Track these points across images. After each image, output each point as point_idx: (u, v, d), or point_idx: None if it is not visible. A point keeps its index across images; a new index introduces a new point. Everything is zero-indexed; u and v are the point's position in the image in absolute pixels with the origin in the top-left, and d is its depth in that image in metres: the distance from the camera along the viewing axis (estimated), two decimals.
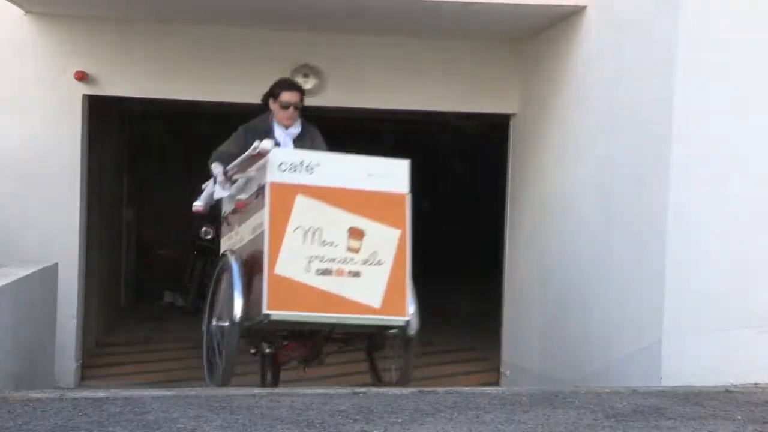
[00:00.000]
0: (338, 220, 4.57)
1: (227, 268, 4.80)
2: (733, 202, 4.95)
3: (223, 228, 5.21)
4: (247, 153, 4.71)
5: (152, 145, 12.59)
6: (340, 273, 4.52)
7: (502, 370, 7.43)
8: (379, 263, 4.59)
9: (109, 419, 3.26)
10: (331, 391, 4.21)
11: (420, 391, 4.05)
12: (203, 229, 12.11)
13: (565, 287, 6.25)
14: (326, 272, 4.51)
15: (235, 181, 4.89)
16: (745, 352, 4.82)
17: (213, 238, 12.08)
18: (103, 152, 8.81)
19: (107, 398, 3.67)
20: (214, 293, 5.01)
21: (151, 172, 12.77)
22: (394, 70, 7.36)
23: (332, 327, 4.68)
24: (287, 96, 5.31)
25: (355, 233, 4.59)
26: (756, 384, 4.48)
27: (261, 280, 4.47)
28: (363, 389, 3.95)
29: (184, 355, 8.90)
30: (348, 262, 4.55)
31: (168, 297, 11.92)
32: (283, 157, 4.63)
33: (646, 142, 5.31)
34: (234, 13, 6.91)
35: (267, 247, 4.48)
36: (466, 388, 4.29)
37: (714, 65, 4.99)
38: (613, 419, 3.35)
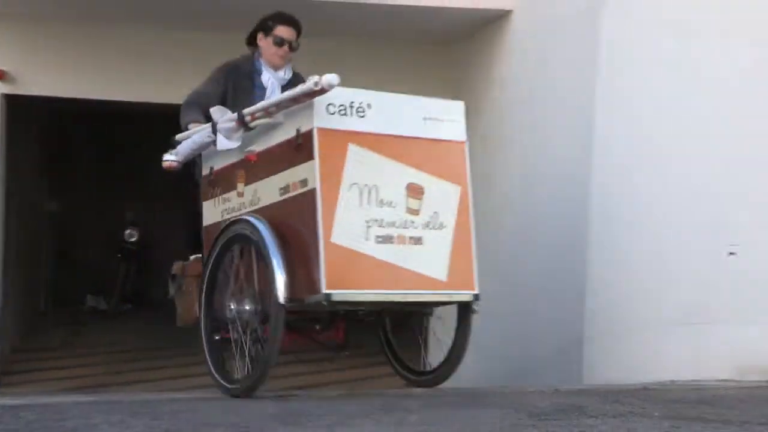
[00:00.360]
0: (395, 175, 3.83)
1: (251, 236, 3.83)
2: (654, 205, 5.09)
3: (209, 189, 4.31)
4: (297, 90, 3.77)
5: (75, 146, 12.32)
6: (401, 240, 3.80)
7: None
8: (440, 226, 3.91)
9: (26, 427, 3.18)
10: (259, 394, 4.17)
11: (348, 394, 4.05)
12: (127, 232, 11.91)
13: (488, 287, 6.30)
14: (387, 239, 3.77)
15: (252, 128, 3.96)
16: (662, 350, 4.96)
17: (138, 241, 11.91)
18: (24, 153, 8.58)
19: (25, 405, 3.57)
20: (216, 270, 4.09)
21: (72, 173, 12.49)
22: (321, 71, 7.34)
23: (390, 306, 4.01)
24: (282, 31, 4.57)
25: (414, 191, 3.87)
26: (672, 381, 4.60)
27: (310, 251, 3.65)
28: (294, 392, 3.93)
29: (107, 360, 8.74)
30: (409, 227, 3.83)
31: (91, 301, 11.71)
32: (331, 96, 3.75)
33: (569, 144, 5.42)
34: (156, 15, 6.81)
35: (320, 210, 3.64)
36: (393, 390, 4.31)
37: (635, 69, 5.12)
38: (536, 418, 3.40)
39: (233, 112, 4.23)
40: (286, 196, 3.82)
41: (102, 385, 7.69)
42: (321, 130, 3.71)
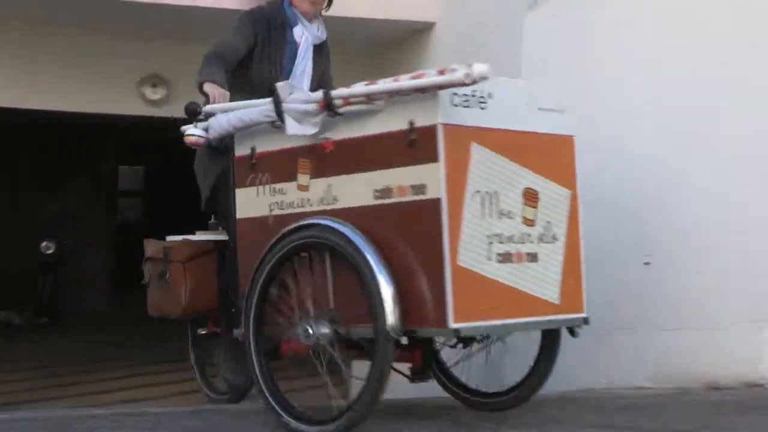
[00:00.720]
0: (513, 179, 3.23)
1: (339, 247, 3.11)
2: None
3: (248, 174, 3.52)
4: (433, 80, 2.99)
5: None
6: (519, 258, 3.23)
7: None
8: (554, 239, 3.36)
9: None
10: (178, 409, 4.10)
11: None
12: (43, 244, 11.60)
13: None
14: (506, 258, 3.19)
15: (339, 114, 3.21)
16: (580, 358, 5.03)
17: (54, 253, 11.60)
18: None
19: None
20: (269, 282, 3.33)
21: None
22: None
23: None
24: None
25: (530, 197, 3.30)
26: (590, 389, 4.69)
27: (426, 273, 3.00)
28: (211, 407, 3.87)
29: (24, 376, 8.48)
30: (525, 241, 3.25)
31: (2, 316, 11.35)
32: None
33: None
34: (76, 21, 6.67)
35: (446, 226, 2.98)
36: (318, 403, 4.28)
37: (553, 81, 5.20)
38: (458, 428, 3.43)
39: (261, 69, 3.87)
40: (385, 201, 3.12)
41: (18, 402, 7.45)
42: (447, 126, 3.02)
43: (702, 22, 4.87)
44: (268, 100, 3.38)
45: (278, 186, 3.44)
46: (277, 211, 3.45)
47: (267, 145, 3.48)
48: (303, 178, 3.36)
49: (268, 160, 3.48)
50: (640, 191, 5.04)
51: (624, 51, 5.09)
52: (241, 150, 3.58)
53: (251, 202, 3.53)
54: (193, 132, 3.64)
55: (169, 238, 4.21)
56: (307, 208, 3.34)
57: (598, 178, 4.97)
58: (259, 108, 3.42)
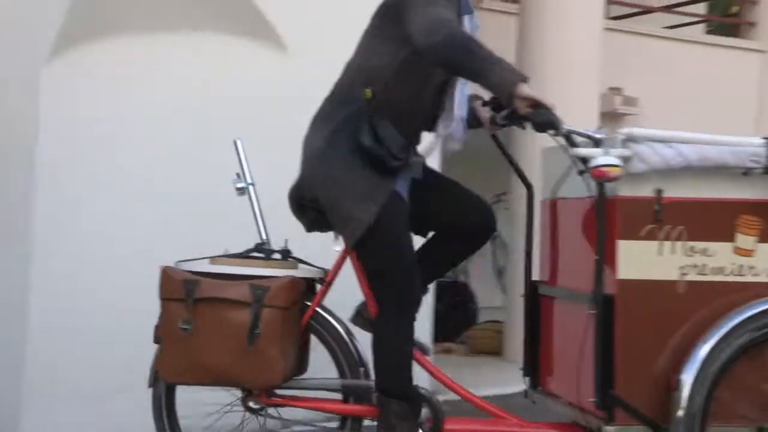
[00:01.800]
0: None
1: None
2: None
3: (645, 224, 2.95)
4: None
5: None
6: None
7: None
8: None
9: None
10: None
11: None
12: None
13: None
14: None
15: None
16: (106, 414, 4.73)
17: None
18: None
19: None
20: (726, 368, 2.90)
21: None
22: None
23: None
24: None
25: None
26: None
27: None
28: None
29: None
30: None
31: None
32: None
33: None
34: None
35: None
36: None
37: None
38: None
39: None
40: None
41: None
42: None
43: None
44: (763, 141, 2.86)
45: (699, 245, 2.94)
46: (693, 277, 2.95)
47: (687, 189, 2.94)
48: (745, 240, 2.95)
49: (686, 209, 2.95)
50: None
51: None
52: (633, 188, 2.92)
53: (647, 260, 2.93)
54: (609, 162, 2.79)
55: (184, 264, 3.18)
56: (748, 278, 2.95)
57: None
58: (742, 148, 2.88)
